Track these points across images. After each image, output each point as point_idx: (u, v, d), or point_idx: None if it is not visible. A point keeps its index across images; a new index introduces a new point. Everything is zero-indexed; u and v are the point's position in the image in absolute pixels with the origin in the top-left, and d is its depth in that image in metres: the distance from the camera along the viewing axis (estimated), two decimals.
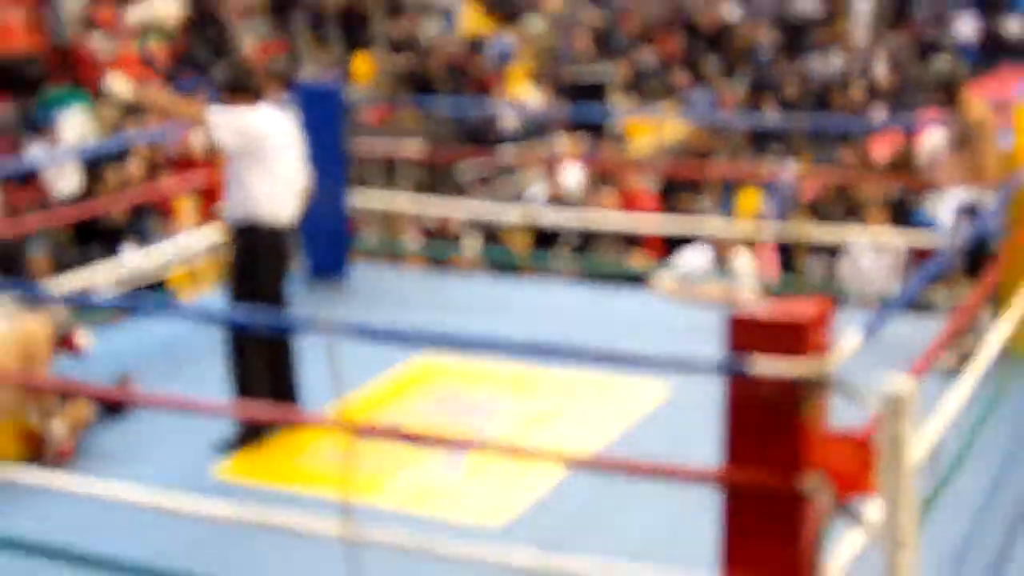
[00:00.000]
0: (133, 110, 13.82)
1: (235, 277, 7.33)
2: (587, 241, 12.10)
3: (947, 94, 8.04)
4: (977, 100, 8.10)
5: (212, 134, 7.12)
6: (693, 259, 9.82)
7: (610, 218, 11.69)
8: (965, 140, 7.94)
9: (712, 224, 10.37)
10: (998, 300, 7.73)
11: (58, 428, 6.95)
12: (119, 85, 7.29)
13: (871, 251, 10.98)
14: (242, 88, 7.25)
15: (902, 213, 12.17)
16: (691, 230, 10.27)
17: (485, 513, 6.36)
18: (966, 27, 27.76)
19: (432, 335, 4.88)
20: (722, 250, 9.69)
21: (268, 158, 7.14)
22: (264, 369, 7.22)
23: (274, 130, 7.25)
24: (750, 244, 10.30)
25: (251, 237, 7.21)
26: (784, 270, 11.46)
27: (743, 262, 9.80)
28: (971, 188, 7.91)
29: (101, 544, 5.69)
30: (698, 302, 9.57)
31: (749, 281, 9.78)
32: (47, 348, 7.14)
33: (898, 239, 10.70)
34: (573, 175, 14.32)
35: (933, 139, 8.92)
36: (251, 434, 7.13)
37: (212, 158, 7.33)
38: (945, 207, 8.16)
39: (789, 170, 13.18)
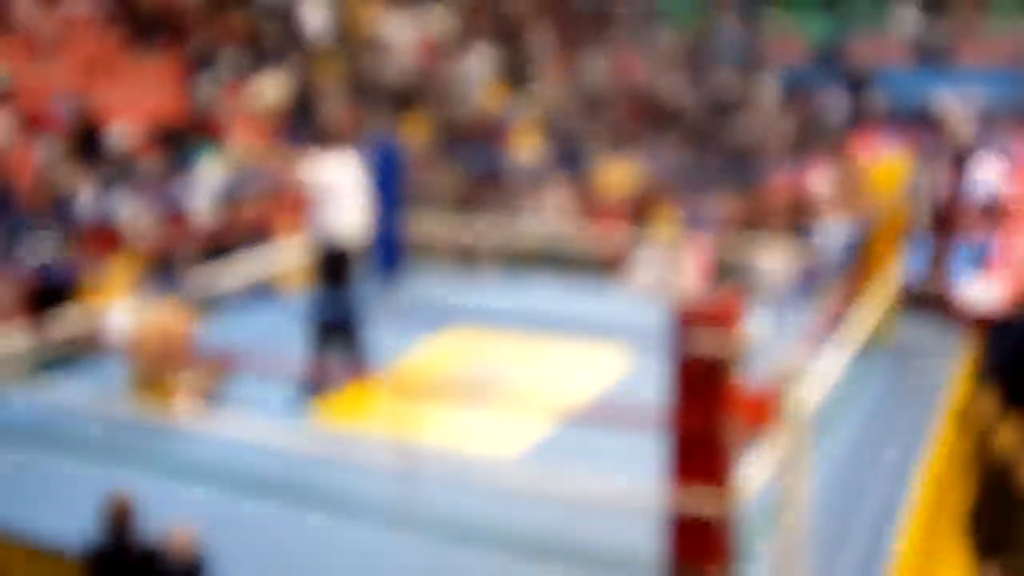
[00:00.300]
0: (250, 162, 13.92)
1: (318, 280, 7.40)
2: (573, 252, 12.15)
3: (836, 151, 8.03)
4: (859, 156, 8.09)
5: (300, 179, 7.18)
6: (651, 262, 9.87)
7: (589, 234, 11.73)
8: (848, 186, 7.93)
9: (661, 238, 10.43)
10: (864, 297, 7.76)
11: (189, 387, 6.97)
12: (240, 148, 7.49)
13: (776, 261, 10.99)
14: (319, 143, 7.33)
15: (798, 235, 12.17)
16: (647, 242, 10.27)
17: (504, 447, 6.40)
18: (839, 100, 27.79)
19: (463, 313, 4.89)
20: (669, 257, 9.75)
21: (339, 194, 7.21)
22: (336, 343, 7.30)
23: (343, 174, 7.31)
24: (689, 252, 10.36)
25: (328, 252, 7.28)
26: (716, 273, 11.49)
27: (685, 265, 9.86)
28: (851, 221, 7.89)
29: (226, 464, 5.73)
30: (655, 294, 9.61)
31: (690, 279, 9.83)
32: (185, 333, 7.15)
33: (795, 253, 10.71)
34: (563, 203, 14.35)
35: (823, 185, 8.86)
36: (319, 390, 7.21)
37: (300, 193, 7.48)
38: (830, 234, 8.14)
39: (723, 203, 13.22)
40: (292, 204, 11.78)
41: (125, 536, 4.98)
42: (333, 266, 7.32)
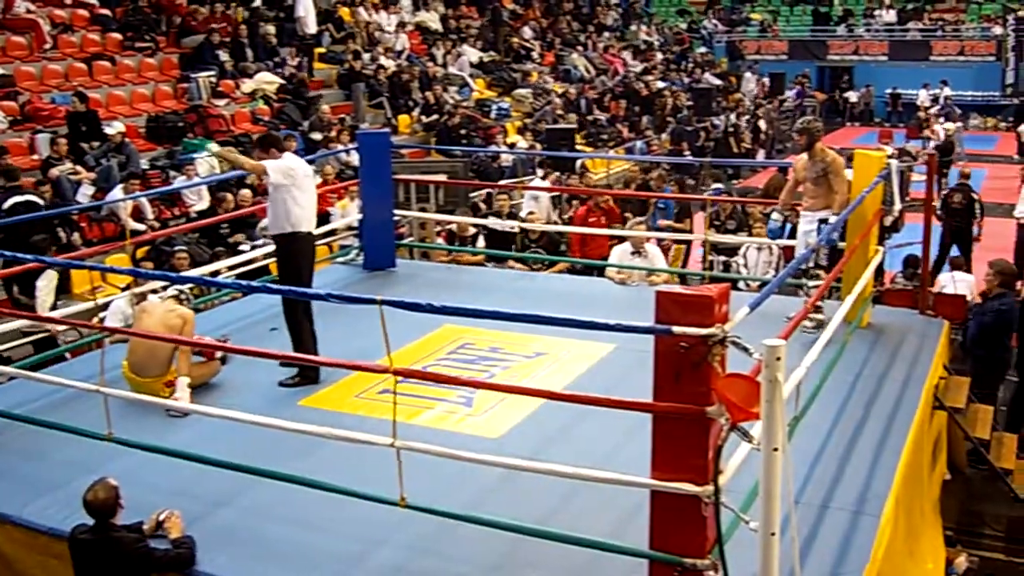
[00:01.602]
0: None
1: (282, 268, 7.48)
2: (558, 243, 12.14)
3: (808, 142, 7.94)
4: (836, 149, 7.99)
5: (269, 177, 7.18)
6: (622, 253, 9.84)
7: (575, 225, 11.70)
8: (823, 176, 7.85)
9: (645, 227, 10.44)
10: (841, 285, 7.74)
11: (185, 380, 6.91)
12: (214, 148, 7.72)
13: (755, 251, 10.98)
14: (273, 146, 7.40)
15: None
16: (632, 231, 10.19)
17: (486, 429, 6.36)
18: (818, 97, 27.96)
19: (453, 308, 4.84)
20: (637, 246, 9.73)
21: (299, 188, 7.27)
22: (308, 322, 7.36)
23: (300, 170, 7.36)
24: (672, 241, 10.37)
25: (290, 241, 7.33)
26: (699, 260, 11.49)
27: (653, 253, 9.85)
28: (825, 210, 7.82)
29: (218, 449, 5.66)
30: (631, 284, 9.58)
31: (659, 265, 9.83)
32: (181, 321, 7.07)
33: (774, 243, 10.70)
34: (547, 197, 14.29)
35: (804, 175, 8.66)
36: (308, 375, 7.22)
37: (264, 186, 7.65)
38: (804, 223, 8.07)
39: (704, 193, 13.18)
40: None
41: (110, 522, 4.94)
42: (294, 252, 7.38)
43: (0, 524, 5.58)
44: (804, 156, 7.96)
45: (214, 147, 7.91)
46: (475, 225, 12.26)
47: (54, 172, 12.32)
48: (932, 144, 22.77)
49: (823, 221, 7.77)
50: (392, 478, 4.87)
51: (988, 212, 14.19)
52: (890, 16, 36.06)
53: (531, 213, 12.71)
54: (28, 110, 13.97)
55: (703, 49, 34.08)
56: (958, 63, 33.21)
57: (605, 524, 5.03)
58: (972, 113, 31.91)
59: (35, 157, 13.14)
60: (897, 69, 33.82)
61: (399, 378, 4.97)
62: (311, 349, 7.26)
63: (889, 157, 8.00)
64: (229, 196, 12.48)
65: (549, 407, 6.27)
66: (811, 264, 7.82)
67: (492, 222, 12.40)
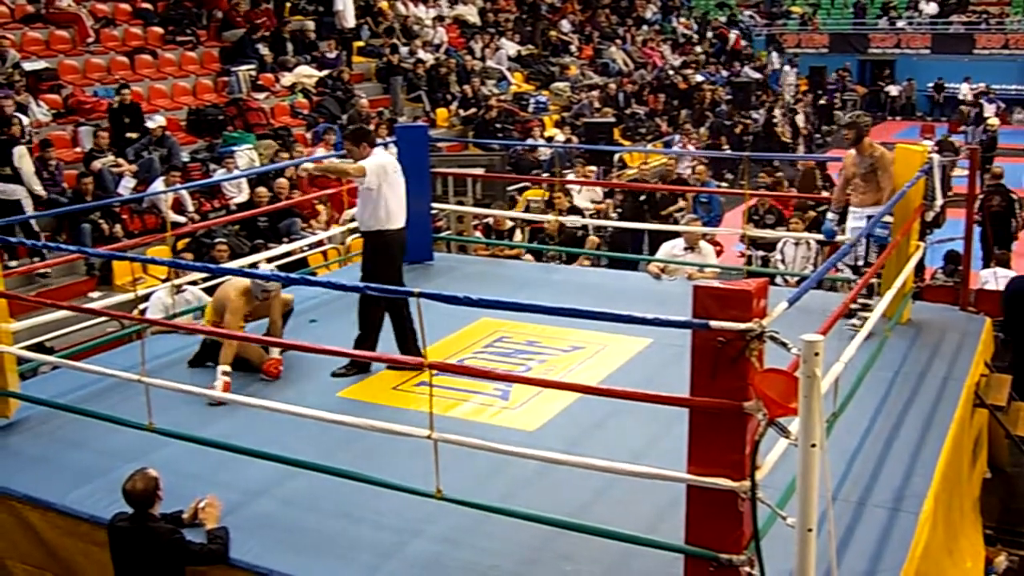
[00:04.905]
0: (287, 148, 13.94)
1: (370, 265, 7.40)
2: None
3: (856, 137, 7.77)
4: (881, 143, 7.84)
5: (368, 180, 7.13)
6: (672, 248, 9.75)
7: (612, 219, 11.64)
8: (871, 171, 7.72)
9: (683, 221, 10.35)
10: (882, 280, 7.66)
11: (220, 369, 6.97)
12: (308, 165, 7.41)
13: (792, 246, 10.89)
14: (365, 140, 7.31)
15: (817, 219, 12.06)
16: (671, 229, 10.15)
17: (522, 423, 6.36)
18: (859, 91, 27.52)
19: (490, 301, 4.84)
20: (691, 241, 9.62)
21: (391, 185, 7.25)
22: (379, 322, 7.30)
23: (392, 165, 7.35)
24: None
25: (380, 237, 7.31)
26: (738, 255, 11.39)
27: (707, 250, 9.74)
28: (875, 206, 7.68)
29: (262, 440, 5.70)
30: (676, 277, 9.52)
31: (711, 262, 9.73)
32: (238, 301, 7.15)
33: (812, 238, 10.61)
34: (588, 189, 14.27)
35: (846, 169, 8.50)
36: (359, 367, 7.23)
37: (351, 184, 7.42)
38: (853, 219, 7.94)
39: (744, 187, 13.06)
40: (327, 190, 11.77)
41: (148, 512, 5.00)
42: (383, 251, 7.35)
43: (43, 511, 5.66)
44: (852, 152, 7.81)
45: (310, 166, 7.51)
46: (512, 219, 12.25)
47: (96, 164, 12.46)
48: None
49: (864, 218, 7.67)
50: (428, 470, 4.89)
51: None
52: (932, 9, 35.60)
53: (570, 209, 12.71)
54: (71, 103, 14.13)
55: (742, 42, 33.81)
56: (1002, 56, 32.72)
57: (640, 518, 5.02)
58: (1016, 108, 31.45)
59: (78, 150, 13.29)
60: (939, 63, 33.39)
61: (438, 370, 4.97)
62: (374, 341, 7.27)
63: (931, 152, 7.89)
64: (263, 190, 12.54)
65: (585, 401, 6.26)
66: (859, 261, 7.73)
67: (530, 215, 12.39)
